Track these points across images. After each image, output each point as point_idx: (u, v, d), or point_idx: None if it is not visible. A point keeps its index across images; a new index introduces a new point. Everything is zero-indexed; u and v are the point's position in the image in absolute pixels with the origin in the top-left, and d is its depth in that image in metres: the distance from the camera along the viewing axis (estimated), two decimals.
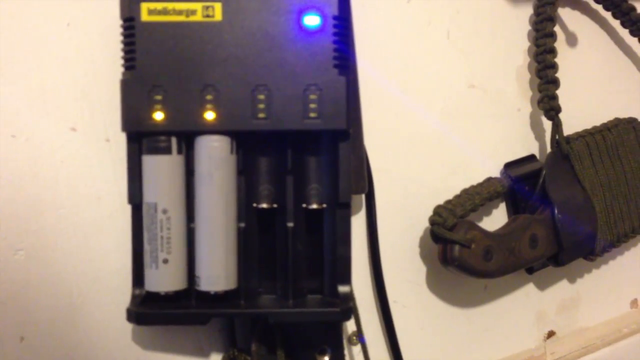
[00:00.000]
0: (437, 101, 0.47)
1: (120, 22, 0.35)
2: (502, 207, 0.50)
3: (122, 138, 0.35)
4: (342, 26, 0.35)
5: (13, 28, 0.36)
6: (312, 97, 0.34)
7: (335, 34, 0.34)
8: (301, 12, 0.34)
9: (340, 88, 0.35)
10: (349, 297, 0.36)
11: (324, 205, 0.37)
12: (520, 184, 0.48)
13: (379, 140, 0.45)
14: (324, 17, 0.34)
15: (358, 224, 0.44)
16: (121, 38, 0.35)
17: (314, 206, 0.37)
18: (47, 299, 0.37)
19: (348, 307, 0.36)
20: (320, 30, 0.34)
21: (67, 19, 0.37)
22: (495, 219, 0.49)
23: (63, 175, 0.37)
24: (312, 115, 0.35)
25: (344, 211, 0.37)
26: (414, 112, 0.46)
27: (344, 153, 0.36)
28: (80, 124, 0.37)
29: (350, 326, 0.43)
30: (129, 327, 0.38)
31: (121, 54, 0.35)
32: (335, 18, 0.34)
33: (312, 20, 0.34)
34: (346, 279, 0.37)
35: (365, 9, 0.44)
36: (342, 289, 0.37)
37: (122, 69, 0.35)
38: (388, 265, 0.45)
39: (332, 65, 0.34)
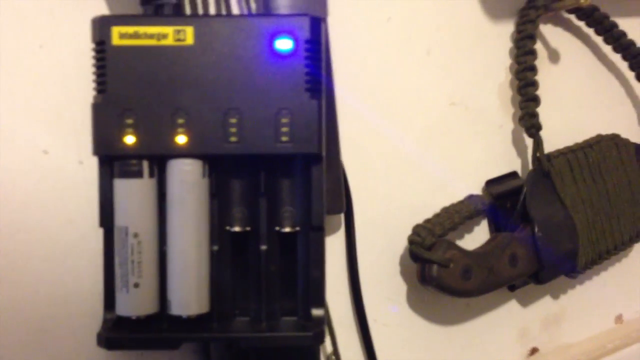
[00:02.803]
0: (418, 119, 0.47)
1: (92, 45, 0.34)
2: (484, 224, 0.50)
3: (95, 160, 0.35)
4: (314, 50, 0.34)
5: None
6: (284, 120, 0.34)
7: (307, 58, 0.34)
8: (273, 36, 0.34)
9: (312, 112, 0.34)
10: (322, 321, 0.36)
11: (297, 229, 0.37)
12: (499, 203, 0.48)
13: (359, 159, 0.44)
14: (295, 41, 0.34)
15: (337, 243, 0.44)
16: (93, 61, 0.34)
17: (287, 229, 0.37)
18: (17, 323, 0.36)
19: (320, 331, 0.36)
20: (292, 54, 0.34)
21: (39, 41, 0.37)
22: (477, 236, 0.49)
23: (35, 198, 0.37)
24: (284, 139, 0.34)
25: (317, 234, 0.36)
26: (395, 130, 0.46)
27: (317, 176, 0.36)
28: (53, 146, 0.37)
29: (329, 345, 0.43)
30: (101, 351, 0.37)
31: (93, 76, 0.34)
32: (307, 42, 0.34)
33: (283, 44, 0.34)
34: (319, 301, 0.37)
35: (345, 27, 0.44)
36: (316, 312, 0.36)
37: (94, 92, 0.34)
38: (367, 284, 0.45)
39: (304, 89, 0.34)
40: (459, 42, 0.48)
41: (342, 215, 0.44)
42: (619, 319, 0.57)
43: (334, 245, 0.44)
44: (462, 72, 0.48)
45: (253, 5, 0.38)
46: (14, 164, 0.36)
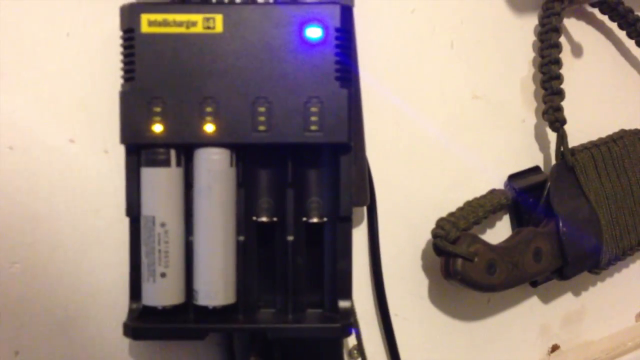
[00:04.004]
0: (441, 112, 0.47)
1: (120, 33, 0.34)
2: (506, 219, 0.49)
3: (120, 150, 0.35)
4: (344, 38, 0.34)
5: (12, 38, 0.36)
6: (313, 109, 0.34)
7: (337, 46, 0.34)
8: (303, 24, 0.34)
9: (341, 101, 0.34)
10: (349, 313, 0.36)
11: (325, 219, 0.36)
12: (524, 196, 0.47)
13: (382, 152, 0.44)
14: (326, 29, 0.34)
15: (360, 235, 0.44)
16: (121, 49, 0.34)
17: (314, 220, 0.36)
18: (43, 313, 0.36)
19: (348, 323, 0.35)
20: (322, 42, 0.34)
21: (66, 29, 0.37)
22: (499, 232, 0.49)
23: (61, 187, 0.36)
24: (313, 128, 0.34)
25: (345, 225, 0.36)
26: (418, 123, 0.46)
27: (345, 166, 0.35)
28: (79, 135, 0.37)
29: (351, 340, 0.43)
30: (125, 341, 0.37)
31: (121, 65, 0.34)
32: (337, 30, 0.34)
33: (314, 33, 0.34)
34: (347, 293, 0.36)
35: (369, 19, 0.44)
36: (343, 304, 0.36)
37: (121, 80, 0.34)
38: (390, 278, 0.44)
39: (333, 78, 0.34)
40: (483, 35, 0.48)
41: (365, 208, 0.44)
42: (639, 316, 0.57)
43: (357, 238, 0.44)
44: (485, 65, 0.48)
45: None
46: (40, 153, 0.36)
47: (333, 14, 0.34)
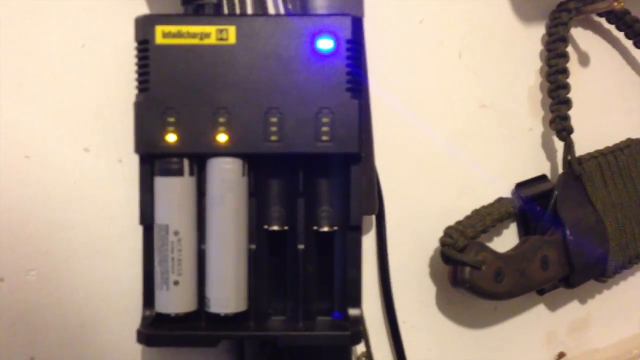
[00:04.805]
0: (448, 121, 0.47)
1: (134, 44, 0.35)
2: (513, 227, 0.50)
3: (134, 159, 0.35)
4: (355, 50, 0.35)
5: (28, 48, 0.36)
6: (325, 120, 0.34)
7: (348, 58, 0.34)
8: (314, 36, 0.34)
9: (352, 111, 0.35)
10: (359, 321, 0.36)
11: (335, 228, 0.37)
12: (531, 205, 0.48)
13: (390, 161, 0.44)
14: (337, 40, 0.34)
15: (368, 244, 0.44)
16: (135, 60, 0.35)
17: (325, 229, 0.37)
18: (58, 319, 0.37)
19: (358, 331, 0.36)
20: (333, 53, 0.34)
21: (82, 40, 0.37)
22: (506, 240, 0.49)
23: (75, 196, 0.37)
24: (325, 138, 0.35)
25: (355, 234, 0.37)
26: (425, 132, 0.46)
27: (356, 176, 0.36)
28: (94, 144, 0.37)
29: (359, 347, 0.43)
30: (138, 348, 0.38)
31: (135, 75, 0.35)
32: (348, 42, 0.34)
33: (325, 44, 0.34)
34: (356, 301, 0.37)
35: (377, 29, 0.44)
36: (353, 312, 0.37)
37: (135, 91, 0.35)
38: (397, 286, 0.45)
39: (344, 89, 0.35)
40: (490, 44, 0.48)
41: (374, 217, 0.44)
42: None
43: (366, 246, 0.44)
44: (492, 74, 0.48)
45: (290, 6, 0.38)
46: (55, 161, 0.37)
47: (344, 25, 0.34)
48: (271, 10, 0.38)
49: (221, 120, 0.34)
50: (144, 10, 0.38)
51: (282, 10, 0.38)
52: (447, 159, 0.47)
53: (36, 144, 0.36)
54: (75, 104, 0.37)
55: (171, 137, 0.34)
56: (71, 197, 0.37)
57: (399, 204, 0.45)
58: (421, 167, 0.46)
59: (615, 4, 0.45)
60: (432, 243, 0.46)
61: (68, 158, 0.37)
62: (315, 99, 0.34)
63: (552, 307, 0.52)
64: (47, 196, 0.36)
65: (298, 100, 0.34)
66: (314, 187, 0.37)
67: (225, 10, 0.37)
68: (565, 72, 0.47)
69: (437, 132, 0.47)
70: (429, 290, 0.47)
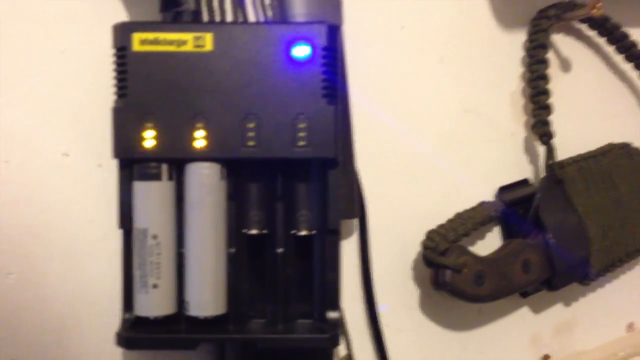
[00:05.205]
0: (431, 126, 0.47)
1: (113, 51, 0.35)
2: (497, 230, 0.50)
3: (114, 163, 0.36)
4: (331, 57, 0.35)
5: (7, 54, 0.37)
6: (301, 125, 0.35)
7: (324, 64, 0.35)
8: (290, 43, 0.35)
9: (328, 117, 0.35)
10: (338, 323, 0.37)
11: (313, 232, 0.37)
12: (513, 209, 0.48)
13: (373, 165, 0.45)
14: (313, 47, 0.35)
15: (351, 247, 0.45)
16: (114, 66, 0.35)
17: (303, 233, 0.37)
18: (38, 322, 0.37)
19: (336, 333, 0.36)
20: (309, 60, 0.35)
21: (61, 47, 0.38)
22: (490, 243, 0.49)
23: (55, 200, 0.37)
24: (301, 143, 0.35)
25: (333, 237, 0.37)
26: (408, 136, 0.47)
27: (333, 180, 0.36)
28: (73, 149, 0.38)
29: (342, 349, 0.43)
30: (118, 350, 0.38)
31: (113, 81, 0.35)
32: (324, 49, 0.35)
33: (301, 51, 0.35)
34: (335, 304, 0.37)
35: (360, 35, 0.44)
36: (331, 314, 0.37)
37: (114, 97, 0.35)
38: (381, 289, 0.45)
39: (320, 95, 0.35)
40: (472, 50, 0.49)
41: (356, 220, 0.44)
42: (630, 327, 0.57)
43: (348, 250, 0.44)
44: (474, 80, 0.49)
45: (269, 13, 0.38)
46: (36, 166, 0.37)
47: (320, 33, 0.35)
48: (251, 18, 0.39)
49: (199, 125, 0.35)
50: (123, 17, 0.38)
51: (261, 19, 0.39)
52: (430, 163, 0.47)
53: (16, 148, 0.37)
54: (55, 109, 0.38)
55: (149, 142, 0.35)
56: (51, 201, 0.37)
57: (383, 208, 0.45)
58: (404, 172, 0.47)
59: (594, 11, 0.45)
60: (415, 246, 0.46)
61: (48, 162, 0.37)
62: (292, 105, 0.35)
63: (537, 309, 0.52)
64: (27, 200, 0.37)
65: (275, 106, 0.35)
66: (292, 191, 0.37)
67: (206, 18, 0.37)
68: (545, 78, 0.48)
69: (420, 136, 0.47)
70: (413, 293, 0.47)
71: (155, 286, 0.35)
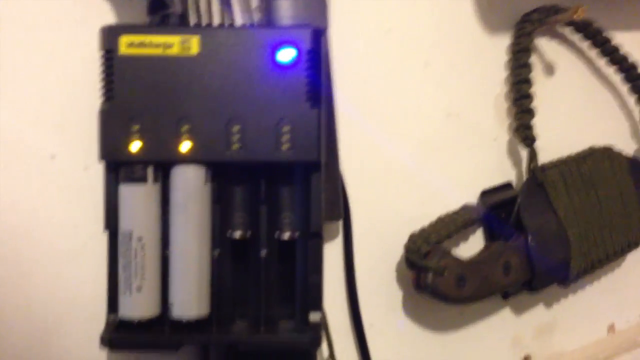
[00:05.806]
0: (416, 129, 0.48)
1: (99, 54, 0.35)
2: (479, 233, 0.50)
3: (100, 166, 0.36)
4: (315, 60, 0.35)
5: None
6: (285, 129, 0.35)
7: (308, 68, 0.35)
8: (275, 47, 0.35)
9: (312, 121, 0.35)
10: (319, 325, 0.37)
11: (296, 235, 0.38)
12: (495, 212, 0.49)
13: (358, 168, 0.45)
14: (297, 51, 0.35)
15: (335, 249, 0.45)
16: (100, 69, 0.35)
17: (287, 236, 0.38)
18: (23, 325, 0.37)
19: (317, 335, 0.37)
20: (293, 64, 0.35)
21: (48, 49, 0.38)
22: (473, 245, 0.50)
23: (41, 202, 0.38)
24: (285, 147, 0.35)
25: (316, 241, 0.37)
26: (393, 140, 0.47)
27: (316, 183, 0.37)
28: (60, 152, 0.38)
29: (326, 351, 0.44)
30: (103, 353, 0.38)
31: (100, 84, 0.35)
32: (308, 52, 0.35)
33: (285, 55, 0.35)
34: (317, 306, 0.37)
35: (345, 38, 0.45)
36: (313, 316, 0.37)
37: (101, 100, 0.35)
38: (364, 291, 0.45)
39: (304, 99, 0.35)
40: (457, 54, 0.49)
41: (341, 223, 0.45)
42: (611, 328, 0.58)
43: (332, 252, 0.45)
44: (459, 84, 0.49)
45: (256, 16, 0.39)
46: (22, 168, 0.37)
47: (305, 36, 0.35)
48: (238, 21, 0.39)
49: (184, 129, 0.35)
50: (110, 20, 0.38)
51: (248, 21, 0.39)
52: (414, 167, 0.48)
53: (2, 150, 0.37)
54: (42, 111, 0.38)
55: (135, 145, 0.35)
56: (37, 203, 0.37)
57: (367, 211, 0.46)
58: (389, 175, 0.47)
59: (576, 15, 0.46)
60: (399, 249, 0.46)
61: (35, 164, 0.38)
62: (276, 108, 0.35)
63: (518, 311, 0.53)
64: (13, 203, 0.37)
65: (259, 110, 0.35)
66: (276, 194, 0.38)
67: (193, 21, 0.37)
68: (528, 82, 0.48)
69: (404, 140, 0.48)
70: (396, 295, 0.48)
71: (139, 288, 0.35)
